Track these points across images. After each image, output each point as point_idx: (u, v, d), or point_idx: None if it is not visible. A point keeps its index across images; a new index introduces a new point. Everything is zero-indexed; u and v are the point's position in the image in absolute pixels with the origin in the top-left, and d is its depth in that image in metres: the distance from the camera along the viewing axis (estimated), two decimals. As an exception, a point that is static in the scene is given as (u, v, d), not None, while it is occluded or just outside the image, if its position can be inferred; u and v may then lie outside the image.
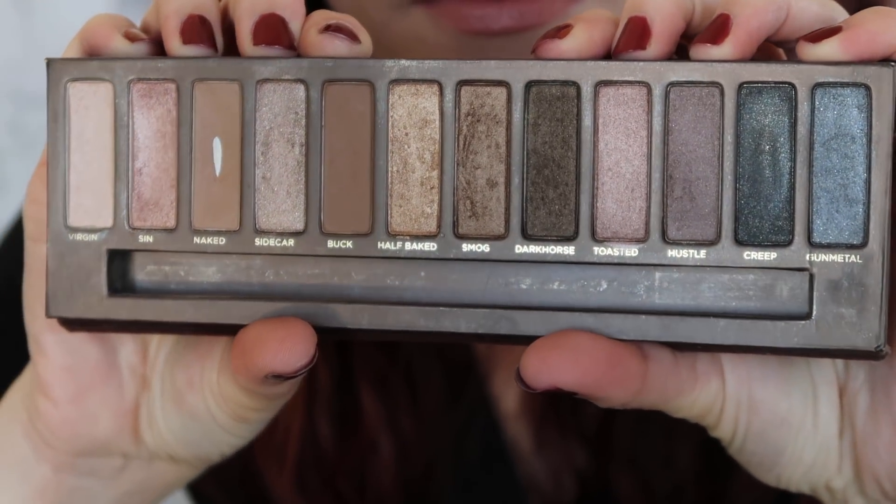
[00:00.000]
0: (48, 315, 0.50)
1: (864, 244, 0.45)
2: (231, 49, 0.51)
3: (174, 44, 0.49)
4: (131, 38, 0.50)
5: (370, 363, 0.68)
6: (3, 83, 1.16)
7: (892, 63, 0.45)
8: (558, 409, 0.66)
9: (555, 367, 0.46)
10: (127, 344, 0.54)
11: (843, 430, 0.49)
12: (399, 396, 0.68)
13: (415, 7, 0.59)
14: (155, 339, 0.54)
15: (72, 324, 0.51)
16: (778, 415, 0.49)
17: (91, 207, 0.50)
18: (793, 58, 0.48)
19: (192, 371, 0.52)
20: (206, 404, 0.52)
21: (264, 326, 0.48)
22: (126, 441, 0.54)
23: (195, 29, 0.49)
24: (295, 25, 0.48)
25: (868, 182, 0.45)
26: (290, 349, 0.47)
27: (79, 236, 0.50)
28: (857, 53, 0.45)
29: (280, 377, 0.48)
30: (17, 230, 0.74)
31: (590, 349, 0.46)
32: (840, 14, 0.47)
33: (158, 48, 0.50)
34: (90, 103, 0.50)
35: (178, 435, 0.53)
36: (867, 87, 0.45)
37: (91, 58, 0.50)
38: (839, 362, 0.50)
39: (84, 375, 0.53)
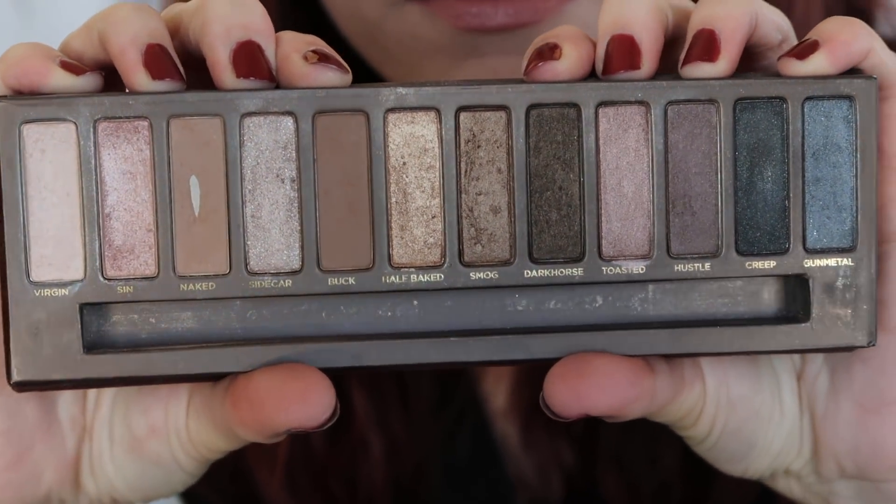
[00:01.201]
0: (11, 382, 0.46)
1: (853, 247, 0.48)
2: (188, 73, 0.47)
3: (140, 79, 0.45)
4: (72, 70, 0.46)
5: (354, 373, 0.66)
6: None
7: (874, 76, 0.47)
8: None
9: (584, 395, 0.46)
10: (64, 394, 0.50)
11: (802, 413, 0.52)
12: (389, 396, 0.67)
13: (410, 4, 0.58)
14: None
15: (37, 387, 0.46)
16: (752, 409, 0.51)
17: (56, 259, 0.46)
18: (754, 68, 0.50)
19: (154, 416, 0.49)
20: (171, 449, 0.49)
21: (276, 378, 0.46)
22: (66, 491, 0.50)
23: (161, 61, 0.46)
24: (270, 52, 0.46)
25: (855, 189, 0.48)
26: (313, 403, 0.45)
27: (45, 291, 0.46)
28: (839, 65, 0.47)
29: (300, 431, 0.46)
30: None
31: (612, 372, 0.47)
32: (787, 22, 0.49)
33: (105, 78, 0.47)
34: (48, 146, 0.46)
35: (132, 482, 0.50)
36: (852, 99, 0.47)
37: (48, 96, 0.45)
38: None
39: (24, 436, 0.49)
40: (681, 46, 0.48)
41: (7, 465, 0.49)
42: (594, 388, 0.46)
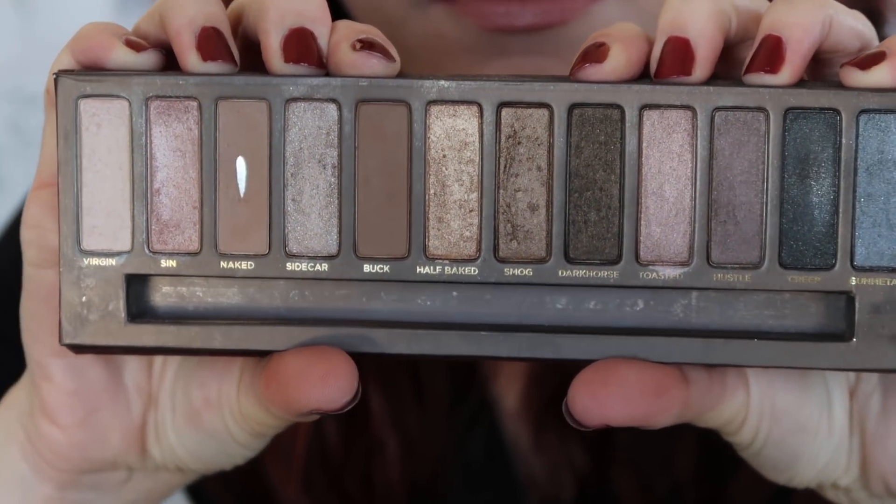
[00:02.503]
0: (62, 343, 0.48)
1: None
2: (246, 59, 0.49)
3: (192, 60, 0.47)
4: (135, 46, 0.48)
5: (377, 364, 0.67)
6: (3, 83, 1.12)
7: None
8: (558, 409, 0.67)
9: (606, 404, 0.46)
10: (131, 362, 0.52)
11: (853, 431, 0.51)
12: (405, 396, 0.68)
13: (434, 4, 0.58)
14: (159, 358, 0.52)
15: (86, 350, 0.48)
16: (798, 422, 0.50)
17: (106, 230, 0.48)
18: (823, 71, 0.48)
19: (209, 390, 0.51)
20: (225, 423, 0.51)
21: (303, 359, 0.47)
22: (133, 457, 0.52)
23: (213, 43, 0.47)
24: (323, 40, 0.47)
25: None
26: (335, 386, 0.46)
27: (94, 261, 0.48)
28: None
29: (322, 412, 0.46)
30: (12, 231, 0.70)
31: (637, 381, 0.46)
32: (868, 27, 0.48)
33: (166, 57, 0.48)
34: (103, 120, 0.47)
35: (192, 451, 0.52)
36: None
37: (105, 73, 0.47)
38: None
39: (91, 398, 0.51)
40: (748, 48, 0.47)
41: (75, 423, 0.51)
42: (617, 398, 0.46)
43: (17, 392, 0.53)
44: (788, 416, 0.50)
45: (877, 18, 0.65)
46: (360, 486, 0.68)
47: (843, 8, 0.47)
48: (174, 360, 0.52)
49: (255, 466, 0.67)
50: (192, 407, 0.51)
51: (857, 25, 0.47)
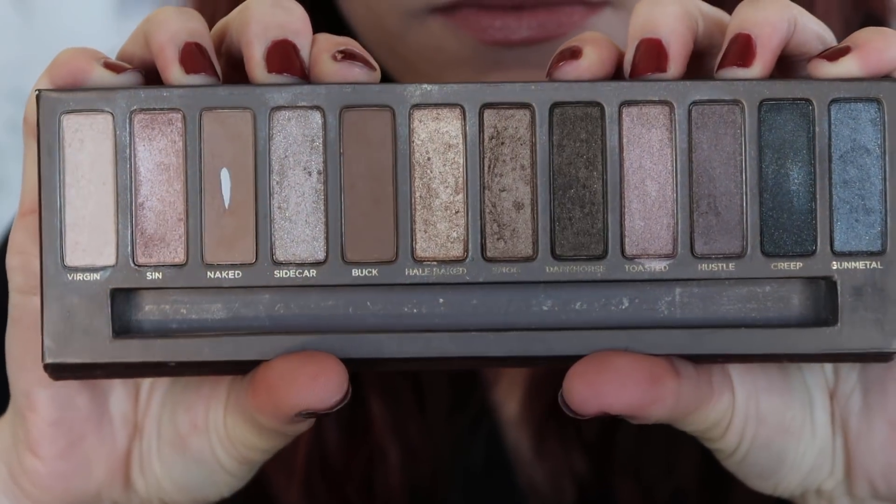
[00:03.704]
0: (45, 362, 0.47)
1: (883, 251, 0.47)
2: (229, 75, 0.49)
3: (175, 73, 0.47)
4: (113, 68, 0.48)
5: (377, 371, 0.66)
6: (3, 83, 1.12)
7: None
8: (559, 416, 0.66)
9: (603, 392, 0.46)
10: (117, 390, 0.51)
11: (836, 432, 0.51)
12: (406, 403, 0.67)
13: (433, 16, 0.59)
14: (147, 383, 0.51)
15: (70, 370, 0.48)
16: (783, 424, 0.50)
17: (89, 245, 0.47)
18: (788, 73, 0.50)
19: (196, 413, 0.50)
20: (212, 447, 0.50)
21: (291, 362, 0.46)
22: (117, 489, 0.51)
23: (196, 57, 0.47)
24: (305, 52, 0.48)
25: (884, 192, 0.47)
26: (325, 384, 0.46)
27: (78, 276, 0.47)
28: (869, 69, 0.47)
29: (313, 414, 0.46)
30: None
31: (632, 370, 0.46)
32: (829, 34, 0.50)
33: (148, 78, 0.49)
34: (86, 135, 0.47)
35: (178, 480, 0.51)
36: (879, 102, 0.47)
37: (88, 88, 0.47)
38: (828, 367, 0.51)
39: (75, 427, 0.50)
40: (712, 55, 0.49)
41: (58, 454, 0.50)
42: (614, 386, 0.46)
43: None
44: (773, 417, 0.50)
45: (877, 22, 0.68)
46: (361, 493, 0.67)
47: (805, 11, 0.49)
48: (161, 386, 0.51)
49: (256, 475, 0.65)
50: (178, 433, 0.51)
51: (818, 29, 0.49)
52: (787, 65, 0.50)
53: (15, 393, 0.50)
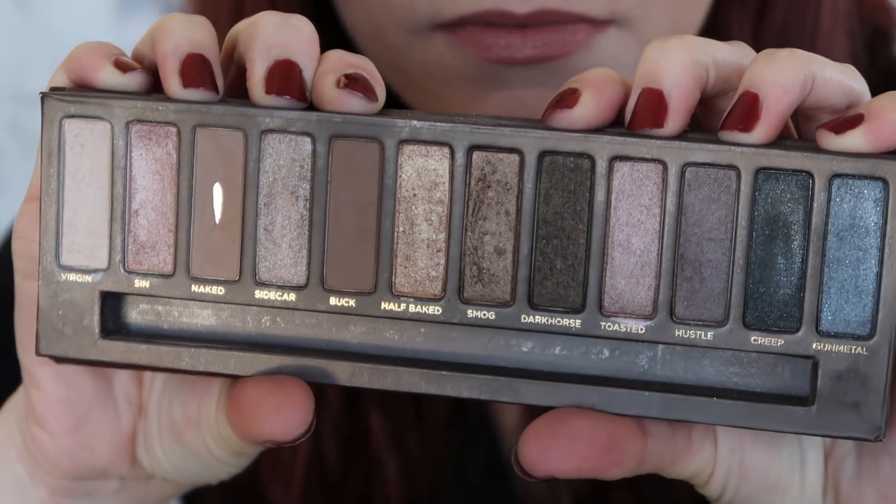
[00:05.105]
0: (38, 353, 0.49)
1: (871, 336, 0.45)
2: (234, 89, 0.49)
3: (173, 85, 0.47)
4: (122, 67, 0.48)
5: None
6: (3, 83, 1.14)
7: None
8: None
9: (552, 458, 0.46)
10: (122, 373, 0.53)
11: (826, 492, 0.50)
12: (405, 415, 0.68)
13: (436, 33, 0.58)
14: None
15: (63, 362, 0.50)
16: (767, 481, 0.50)
17: (85, 247, 0.49)
18: (808, 126, 0.47)
19: (190, 409, 0.52)
20: (205, 441, 0.52)
21: (261, 388, 0.47)
22: (123, 466, 0.53)
23: (196, 70, 0.47)
24: (308, 73, 0.47)
25: (879, 275, 0.45)
26: (288, 417, 0.47)
27: (71, 276, 0.49)
28: (880, 145, 0.45)
29: (277, 444, 0.47)
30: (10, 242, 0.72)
31: (588, 435, 0.46)
32: (859, 82, 0.47)
33: (154, 80, 0.49)
34: (86, 140, 0.48)
35: (177, 466, 0.53)
36: (885, 181, 0.45)
37: (88, 94, 0.48)
38: None
39: (80, 406, 0.52)
40: (730, 99, 0.47)
41: (64, 430, 0.52)
42: (564, 451, 0.46)
43: (17, 397, 0.55)
44: (757, 474, 0.50)
45: (885, 37, 0.64)
46: None
47: (829, 63, 0.46)
48: (161, 377, 0.53)
49: (254, 485, 0.67)
50: (174, 424, 0.52)
51: (845, 81, 0.46)
52: (807, 118, 0.47)
53: (22, 370, 0.52)
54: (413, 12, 0.58)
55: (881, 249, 0.45)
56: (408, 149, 0.47)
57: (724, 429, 0.49)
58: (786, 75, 0.45)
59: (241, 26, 0.49)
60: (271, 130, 0.47)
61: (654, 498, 0.67)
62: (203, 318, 0.49)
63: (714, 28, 0.63)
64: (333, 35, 0.63)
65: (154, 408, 0.53)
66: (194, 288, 0.48)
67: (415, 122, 0.47)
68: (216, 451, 0.52)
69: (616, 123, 0.47)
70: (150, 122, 0.48)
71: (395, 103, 0.64)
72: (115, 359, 0.49)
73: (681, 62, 0.45)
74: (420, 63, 0.59)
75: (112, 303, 0.49)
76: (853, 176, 0.45)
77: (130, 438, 0.53)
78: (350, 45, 0.63)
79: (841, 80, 0.46)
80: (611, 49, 0.57)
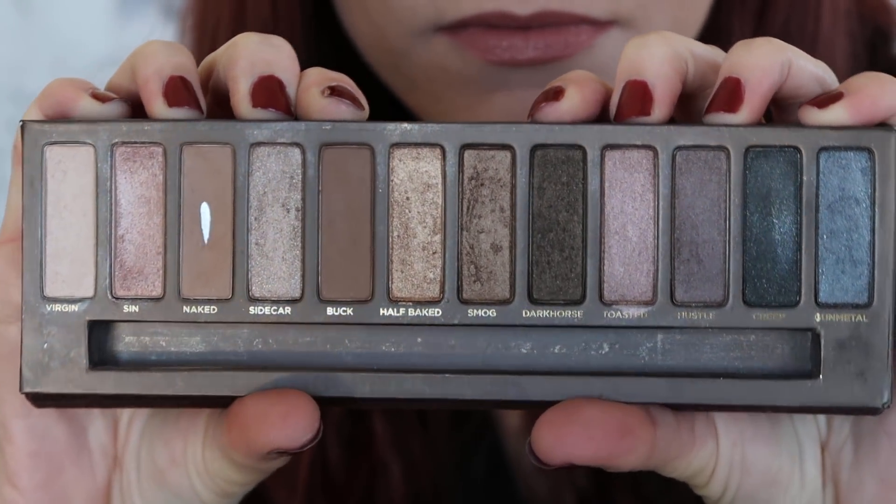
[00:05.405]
0: (22, 391, 0.47)
1: (869, 304, 0.46)
2: (215, 111, 0.49)
3: (158, 106, 0.47)
4: (100, 98, 0.48)
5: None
6: (3, 83, 1.13)
7: (894, 128, 0.46)
8: None
9: (569, 443, 0.45)
10: (96, 422, 0.51)
11: (825, 484, 0.50)
12: (408, 417, 0.67)
13: (438, 35, 0.59)
14: (126, 415, 0.51)
15: (47, 399, 0.48)
16: (769, 475, 0.49)
17: (69, 276, 0.48)
18: (785, 116, 0.49)
19: (174, 447, 0.50)
20: (191, 481, 0.50)
21: (263, 400, 0.46)
22: None
23: (180, 91, 0.47)
24: (291, 89, 0.47)
25: (872, 244, 0.46)
26: (295, 424, 0.46)
27: (57, 307, 0.47)
28: (861, 118, 0.46)
29: (285, 453, 0.46)
30: None
31: (601, 421, 0.46)
32: (830, 74, 0.48)
33: (134, 109, 0.49)
34: (69, 167, 0.48)
35: None
36: (870, 151, 0.46)
37: (71, 120, 0.48)
38: (821, 418, 0.50)
39: (53, 459, 0.50)
40: (705, 96, 0.48)
41: (36, 486, 0.50)
42: (580, 437, 0.46)
43: None
44: (759, 467, 0.49)
45: (885, 37, 0.66)
46: None
47: (802, 53, 0.48)
48: (140, 419, 0.51)
49: (257, 489, 0.65)
50: (157, 466, 0.51)
51: (816, 70, 0.48)
52: (783, 107, 0.49)
53: None
54: (414, 15, 0.59)
55: (872, 218, 0.46)
56: (399, 152, 0.47)
57: (724, 423, 0.49)
58: (765, 60, 0.46)
59: (218, 53, 0.49)
60: (260, 143, 0.47)
61: (656, 498, 0.66)
62: (192, 346, 0.48)
63: (715, 28, 0.64)
64: (334, 40, 0.64)
65: (132, 455, 0.51)
66: (185, 309, 0.47)
67: (405, 125, 0.47)
68: (201, 492, 0.50)
69: (602, 120, 0.47)
70: (136, 143, 0.47)
71: (397, 108, 0.64)
72: (106, 390, 0.47)
73: (661, 54, 0.47)
74: (422, 66, 0.60)
75: (99, 333, 0.48)
76: (839, 148, 0.46)
77: (105, 492, 0.51)
78: (351, 51, 0.64)
79: (814, 69, 0.48)
80: (613, 50, 0.59)
